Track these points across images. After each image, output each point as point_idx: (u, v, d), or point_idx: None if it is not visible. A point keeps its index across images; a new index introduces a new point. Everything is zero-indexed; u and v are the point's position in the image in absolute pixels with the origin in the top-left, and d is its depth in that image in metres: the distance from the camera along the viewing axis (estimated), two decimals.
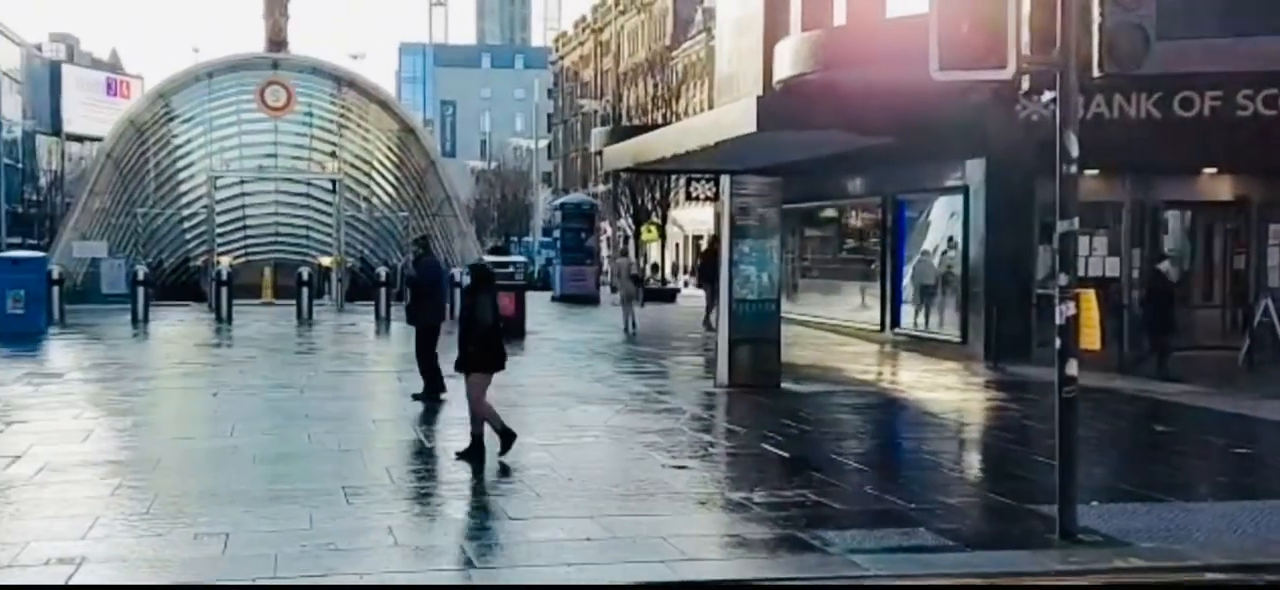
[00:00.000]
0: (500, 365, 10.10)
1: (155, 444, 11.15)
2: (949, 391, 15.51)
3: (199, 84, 36.98)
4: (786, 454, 10.67)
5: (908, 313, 21.77)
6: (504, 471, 9.47)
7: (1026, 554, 7.12)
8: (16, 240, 56.17)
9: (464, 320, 10.11)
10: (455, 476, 9.44)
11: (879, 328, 22.20)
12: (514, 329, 22.52)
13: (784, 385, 14.84)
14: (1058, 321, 7.35)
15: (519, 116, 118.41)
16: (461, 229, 38.37)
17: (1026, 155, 16.83)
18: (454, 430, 11.98)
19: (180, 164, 37.54)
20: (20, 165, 69.03)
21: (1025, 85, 8.22)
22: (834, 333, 23.06)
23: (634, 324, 24.77)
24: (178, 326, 24.85)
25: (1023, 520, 7.99)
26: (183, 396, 14.91)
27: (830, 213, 25.48)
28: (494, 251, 34.20)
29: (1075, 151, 7.35)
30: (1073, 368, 7.31)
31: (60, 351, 19.58)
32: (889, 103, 16.65)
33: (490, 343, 9.95)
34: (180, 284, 34.59)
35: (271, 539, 7.21)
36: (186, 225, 37.13)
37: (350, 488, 8.79)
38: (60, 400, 13.79)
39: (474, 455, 9.71)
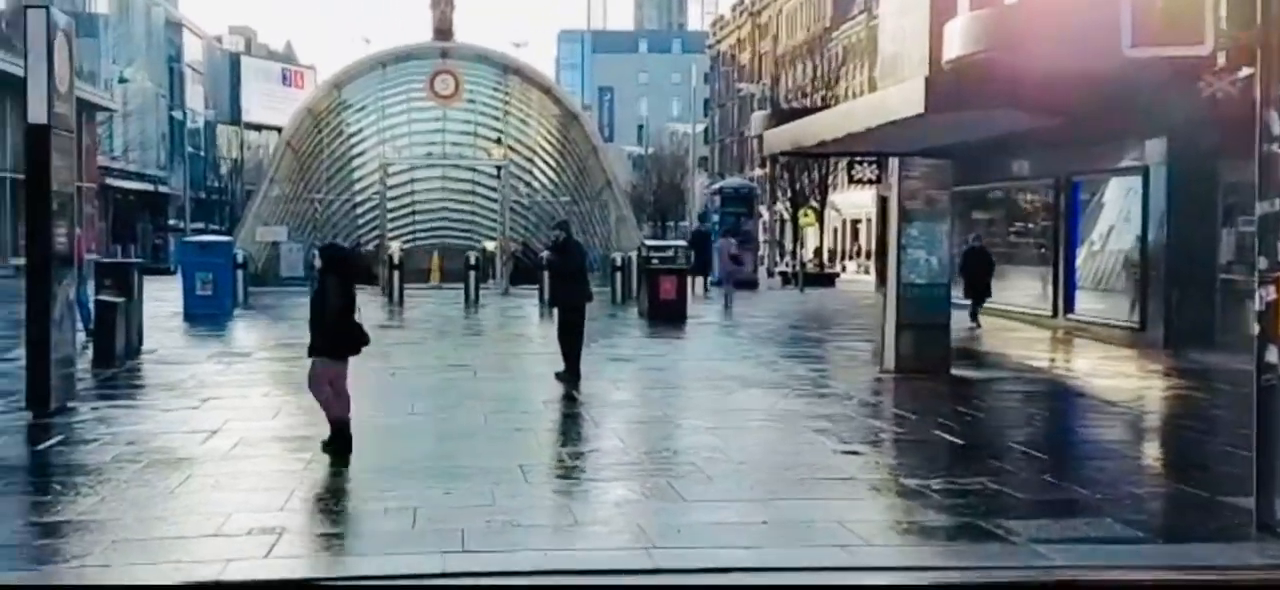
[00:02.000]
0: (350, 351, 9.60)
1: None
2: (1128, 379, 14.99)
3: (372, 73, 38.16)
4: (961, 441, 10.48)
5: (1083, 298, 21.09)
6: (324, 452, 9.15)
7: (1223, 547, 6.86)
8: (199, 225, 59.03)
9: (314, 305, 9.73)
10: (626, 458, 9.56)
11: (1051, 313, 21.58)
12: (675, 313, 22.71)
13: (954, 371, 14.58)
14: (1257, 307, 7.04)
15: (676, 101, 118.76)
16: (621, 214, 38.72)
17: (1210, 135, 16.10)
18: (623, 413, 12.16)
19: (353, 151, 38.80)
20: (203, 154, 72.38)
21: (1221, 62, 7.86)
22: (1003, 318, 22.51)
23: (730, 304, 25.05)
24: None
25: (1216, 512, 7.69)
26: (362, 375, 15.33)
27: (998, 195, 24.85)
28: (696, 238, 34.64)
29: (1277, 129, 7.02)
30: (1273, 355, 7.00)
31: (245, 331, 20.51)
32: (1063, 82, 16.12)
33: (337, 329, 9.49)
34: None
35: (457, 515, 7.44)
36: (359, 210, 38.37)
37: (527, 466, 9.01)
38: (249, 378, 14.48)
39: (336, 444, 9.22)
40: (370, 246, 35.58)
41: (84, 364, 13.69)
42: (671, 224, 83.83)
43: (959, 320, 18.11)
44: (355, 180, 38.58)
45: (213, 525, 7.15)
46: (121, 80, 49.83)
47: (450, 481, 8.43)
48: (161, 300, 23.61)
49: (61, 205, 11.22)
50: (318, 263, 10.03)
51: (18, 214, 33.70)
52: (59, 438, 10.01)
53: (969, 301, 21.67)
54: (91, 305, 15.64)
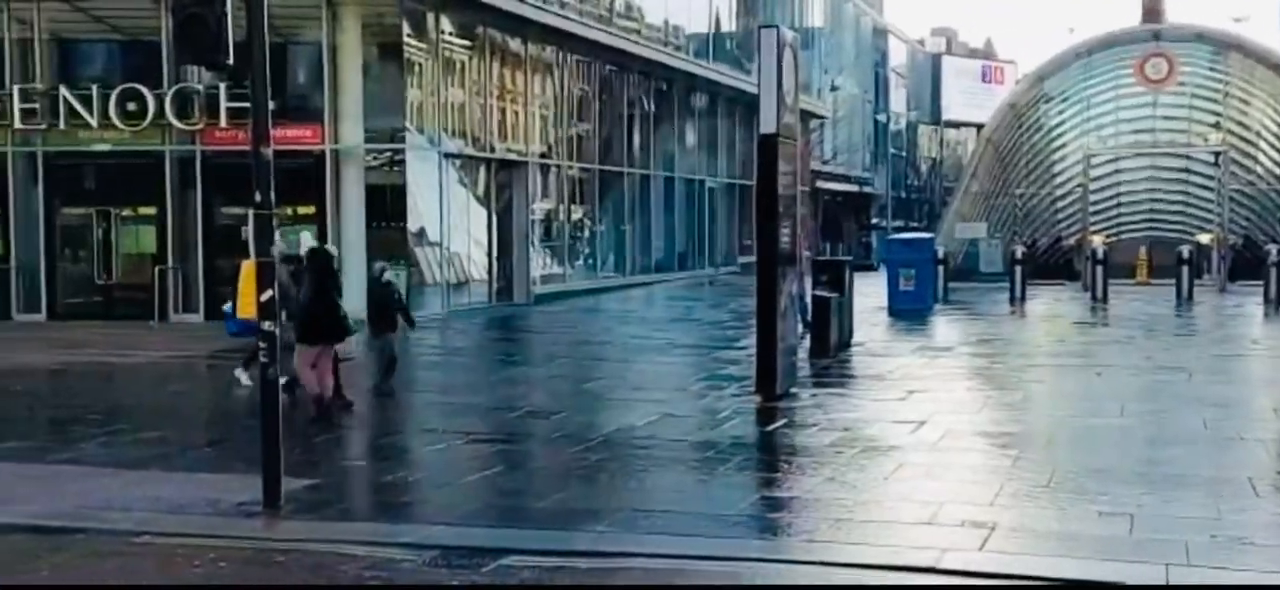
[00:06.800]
0: (322, 338, 10.90)
1: (1045, 419, 11.43)
2: None
3: (1076, 63, 37.21)
4: None
5: None
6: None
7: None
8: (899, 223, 61.14)
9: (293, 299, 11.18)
10: None
11: None
12: None
13: None
14: None
15: None
16: None
17: None
18: None
19: (1054, 144, 38.01)
20: (904, 154, 74.88)
21: None
22: None
23: None
24: (1052, 305, 25.20)
25: None
26: (1065, 374, 15.07)
27: None
28: None
29: None
30: None
31: (946, 327, 20.90)
32: None
33: (305, 319, 10.98)
34: (1052, 263, 35.04)
35: (1178, 525, 7.00)
36: (1059, 204, 37.50)
37: (1256, 477, 8.24)
38: (952, 372, 14.76)
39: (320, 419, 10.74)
40: (1072, 240, 34.63)
41: (802, 353, 14.80)
42: None
43: None
44: (1055, 174, 37.75)
45: (926, 514, 7.39)
46: (833, 89, 53.06)
47: (1167, 489, 7.96)
48: (866, 295, 24.83)
49: (785, 208, 12.24)
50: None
51: (743, 217, 37.29)
52: (784, 421, 10.94)
53: None
54: (808, 299, 16.86)
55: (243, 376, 13.01)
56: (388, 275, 13.47)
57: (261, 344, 7.81)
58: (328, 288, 11.24)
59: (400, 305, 13.10)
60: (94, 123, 21.38)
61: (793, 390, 12.35)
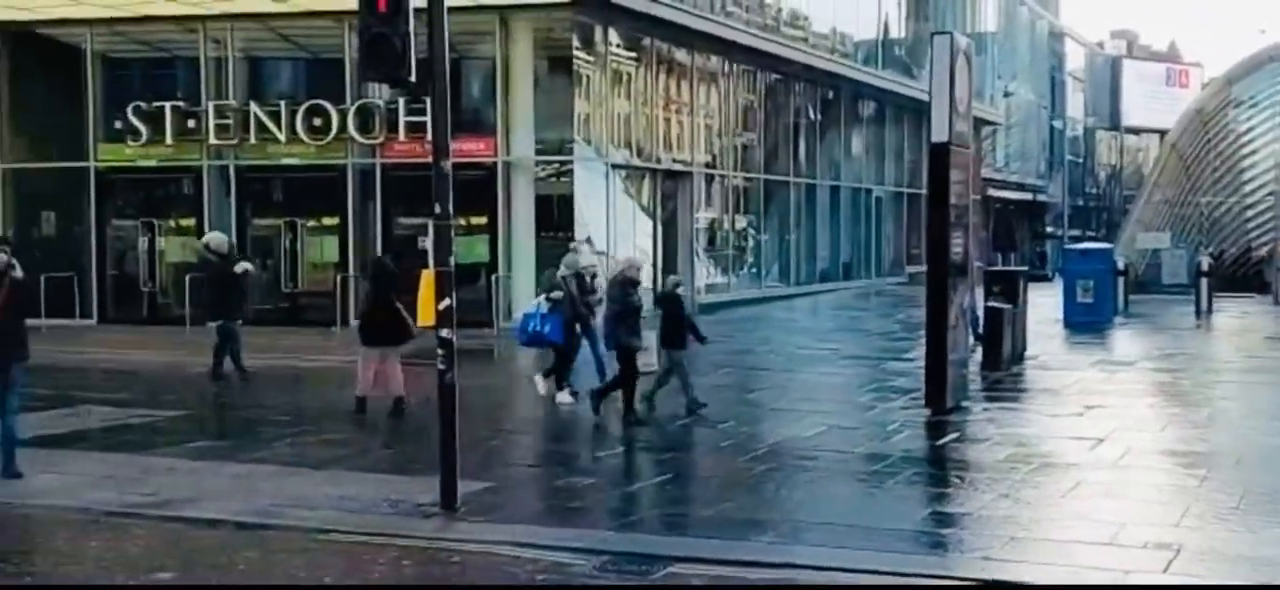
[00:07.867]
0: (379, 341, 11.98)
1: (1234, 438, 10.91)
2: None
3: (1269, 66, 35.49)
4: None
5: None
6: None
7: None
8: (1076, 232, 59.13)
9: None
10: None
11: None
12: None
13: None
14: None
15: None
16: None
17: None
18: None
19: (1243, 150, 36.28)
20: (1081, 160, 72.45)
21: None
22: None
23: None
24: (1241, 319, 24.06)
25: None
26: (1255, 391, 14.38)
27: None
28: None
29: None
30: None
31: (1126, 340, 20.16)
32: None
33: (364, 323, 12.48)
34: (1241, 276, 33.44)
35: None
36: (1249, 213, 35.75)
37: None
38: (1133, 387, 14.24)
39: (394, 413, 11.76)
40: (1263, 250, 32.98)
41: (973, 366, 14.48)
42: None
43: None
44: (1245, 181, 36.02)
45: (1106, 534, 7.17)
46: (1006, 94, 51.71)
47: None
48: (1041, 307, 24.09)
49: (957, 217, 12.01)
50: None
51: (911, 226, 36.62)
52: (954, 435, 10.74)
53: None
54: (979, 311, 16.48)
55: (541, 384, 12.90)
56: (680, 289, 12.98)
57: (439, 350, 8.06)
58: (387, 294, 12.39)
59: (689, 321, 12.26)
60: (282, 137, 22.41)
61: (964, 403, 12.12)
